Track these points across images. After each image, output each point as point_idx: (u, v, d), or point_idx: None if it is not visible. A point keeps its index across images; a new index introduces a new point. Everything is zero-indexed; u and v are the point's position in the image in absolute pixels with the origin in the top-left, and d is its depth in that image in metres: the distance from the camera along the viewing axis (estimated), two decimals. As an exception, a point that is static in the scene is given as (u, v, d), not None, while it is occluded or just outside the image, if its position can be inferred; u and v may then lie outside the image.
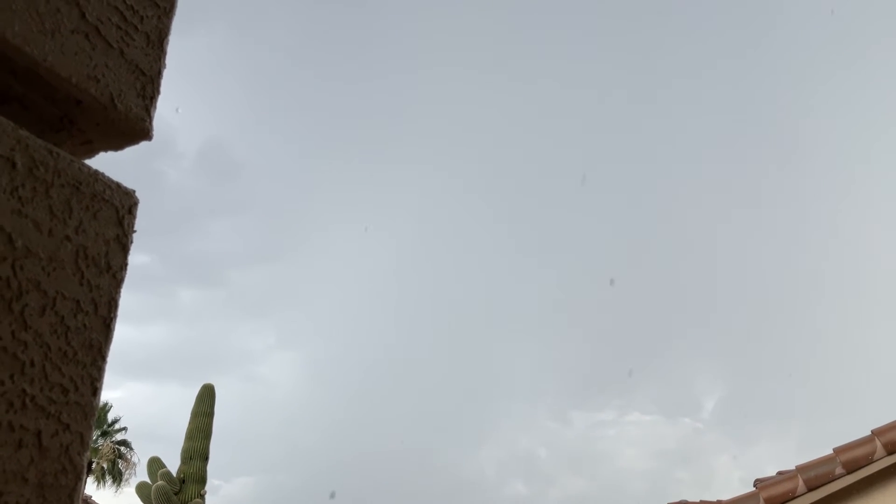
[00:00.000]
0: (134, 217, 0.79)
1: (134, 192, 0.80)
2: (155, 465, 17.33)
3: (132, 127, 0.81)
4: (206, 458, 17.32)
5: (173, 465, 17.39)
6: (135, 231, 0.79)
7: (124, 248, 0.77)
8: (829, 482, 7.25)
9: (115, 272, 0.76)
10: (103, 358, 0.73)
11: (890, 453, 7.18)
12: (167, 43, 0.86)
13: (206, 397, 17.82)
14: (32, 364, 0.66)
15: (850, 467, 7.21)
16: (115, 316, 0.75)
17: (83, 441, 0.70)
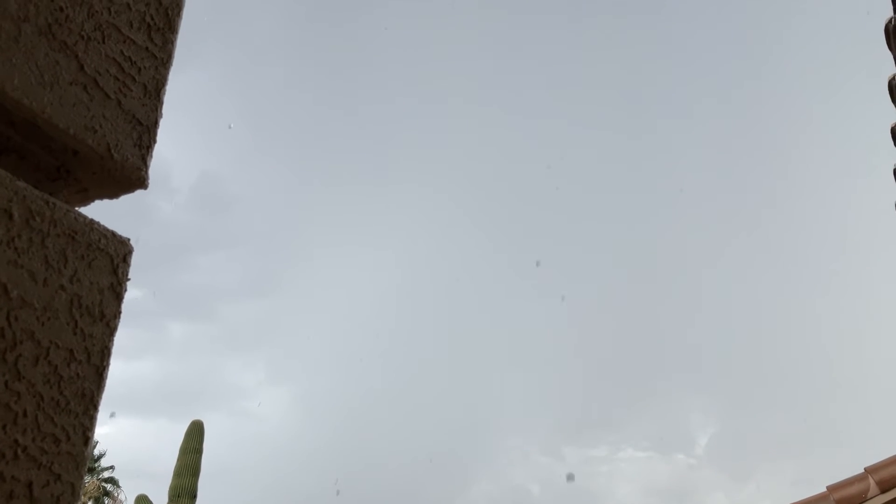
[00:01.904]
0: (128, 265, 0.80)
1: (129, 240, 0.81)
2: (142, 502, 17.09)
3: (128, 176, 0.82)
4: (195, 496, 17.08)
5: (161, 502, 17.14)
6: (129, 279, 0.80)
7: (118, 297, 0.78)
8: (824, 520, 7.20)
9: (108, 321, 0.76)
10: (95, 407, 0.73)
11: (884, 491, 7.14)
12: (164, 93, 0.88)
13: (195, 434, 17.64)
14: (25, 414, 0.67)
15: (844, 505, 7.17)
16: (107, 364, 0.76)
17: (74, 491, 0.70)
